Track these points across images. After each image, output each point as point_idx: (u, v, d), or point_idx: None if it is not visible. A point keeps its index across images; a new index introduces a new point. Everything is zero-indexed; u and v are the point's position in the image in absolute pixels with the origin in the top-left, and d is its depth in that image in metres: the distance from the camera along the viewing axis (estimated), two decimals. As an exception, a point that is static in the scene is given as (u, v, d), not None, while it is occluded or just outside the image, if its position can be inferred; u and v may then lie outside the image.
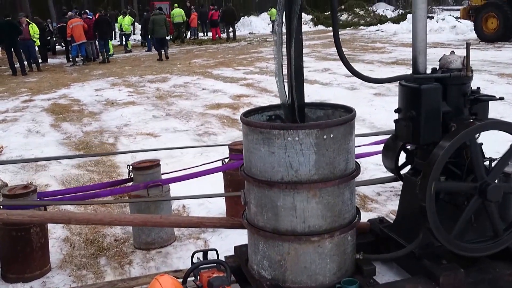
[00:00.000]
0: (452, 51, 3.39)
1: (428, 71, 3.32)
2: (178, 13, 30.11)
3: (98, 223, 3.41)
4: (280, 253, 3.01)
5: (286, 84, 3.20)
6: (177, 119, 9.25)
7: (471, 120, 3.30)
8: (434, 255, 3.29)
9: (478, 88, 3.40)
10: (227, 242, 4.19)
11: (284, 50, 3.15)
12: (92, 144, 7.84)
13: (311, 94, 11.11)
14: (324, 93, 11.04)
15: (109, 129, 8.81)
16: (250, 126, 2.96)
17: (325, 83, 12.25)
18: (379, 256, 3.34)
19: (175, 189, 5.38)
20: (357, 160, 6.18)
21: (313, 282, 3.02)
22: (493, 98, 3.29)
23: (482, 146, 3.45)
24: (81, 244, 4.54)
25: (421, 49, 3.27)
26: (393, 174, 3.95)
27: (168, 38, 24.57)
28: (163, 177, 4.43)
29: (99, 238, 4.63)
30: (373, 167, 6.08)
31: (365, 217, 4.63)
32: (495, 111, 8.78)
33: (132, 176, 4.32)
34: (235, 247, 3.63)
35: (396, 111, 3.41)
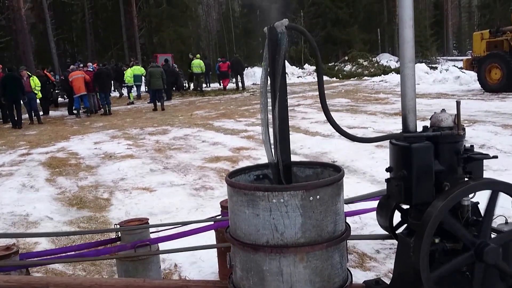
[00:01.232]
0: (443, 109, 3.33)
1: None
2: (197, 64, 31.07)
3: (77, 288, 3.27)
4: (266, 321, 2.86)
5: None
6: (175, 173, 9.17)
7: (465, 179, 3.20)
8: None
9: (472, 146, 3.31)
10: (217, 304, 4.02)
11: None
12: (86, 199, 7.73)
13: (312, 146, 11.09)
14: (325, 145, 10.99)
15: (105, 184, 8.72)
16: (234, 187, 2.87)
17: (326, 134, 12.23)
18: (371, 322, 3.17)
19: (166, 246, 5.25)
20: (356, 216, 6.13)
21: None
22: (487, 156, 3.21)
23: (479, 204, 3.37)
24: (67, 306, 4.36)
25: (411, 108, 3.22)
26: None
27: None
28: (152, 236, 4.31)
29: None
30: (373, 222, 5.92)
31: (363, 277, 4.48)
32: (498, 163, 8.70)
33: (119, 236, 4.19)
34: (223, 312, 3.47)
35: (387, 170, 3.32)
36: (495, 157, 3.23)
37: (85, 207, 7.34)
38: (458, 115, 3.17)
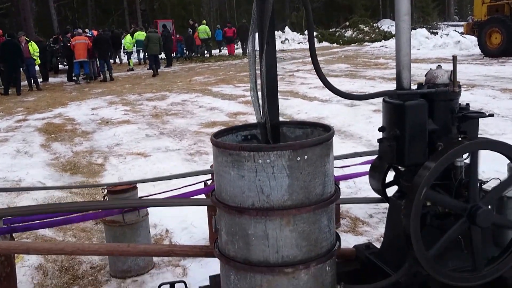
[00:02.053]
0: (439, 65, 3.18)
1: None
2: (203, 30, 31.16)
3: (59, 253, 3.20)
4: (252, 286, 2.77)
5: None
6: (170, 138, 9.06)
7: (459, 139, 3.07)
8: (422, 285, 3.05)
9: (468, 104, 3.17)
10: (207, 270, 3.94)
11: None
12: (80, 165, 7.64)
13: (309, 111, 10.94)
14: (323, 110, 10.85)
15: (100, 149, 8.62)
16: (219, 147, 2.74)
17: (324, 100, 12.06)
18: (361, 286, 3.08)
19: (157, 212, 5.18)
20: (351, 180, 6.02)
21: (289, 316, 2.78)
22: (482, 115, 3.07)
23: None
24: (55, 272, 4.31)
25: (405, 64, 3.06)
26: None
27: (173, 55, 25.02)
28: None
29: (74, 265, 4.40)
30: (367, 187, 5.79)
31: (354, 241, 4.39)
32: (496, 127, 8.57)
33: (107, 200, 4.10)
34: (210, 277, 3.39)
35: (380, 129, 3.19)
36: (491, 115, 3.10)
37: (78, 172, 7.26)
38: (454, 71, 3.02)
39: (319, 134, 3.06)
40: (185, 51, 32.96)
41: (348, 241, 4.51)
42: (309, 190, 2.67)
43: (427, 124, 3.03)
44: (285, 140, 3.14)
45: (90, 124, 11.21)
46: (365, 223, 4.94)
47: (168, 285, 2.93)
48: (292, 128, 3.21)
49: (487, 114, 3.09)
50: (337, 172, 5.24)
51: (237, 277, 2.82)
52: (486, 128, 8.42)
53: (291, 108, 11.30)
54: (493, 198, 2.97)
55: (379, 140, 3.18)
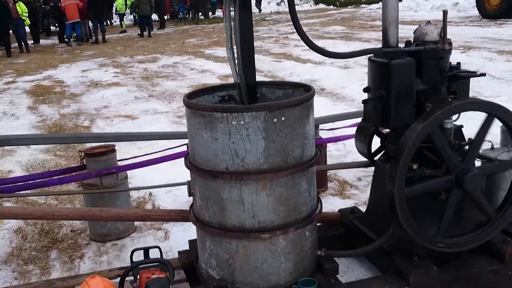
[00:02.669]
0: (428, 21, 3.00)
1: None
2: None
3: (28, 218, 3.09)
4: (228, 251, 2.67)
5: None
6: (159, 100, 8.88)
7: (449, 100, 2.91)
8: (406, 251, 2.95)
9: (458, 63, 3.00)
10: (189, 234, 3.83)
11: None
12: (66, 127, 7.49)
13: (302, 73, 10.73)
14: (316, 72, 10.64)
15: (87, 111, 8.45)
16: (191, 108, 2.59)
17: (317, 62, 11.81)
18: (342, 252, 2.99)
19: (141, 175, 5.06)
20: (341, 143, 5.88)
21: (265, 283, 2.69)
22: (473, 74, 2.91)
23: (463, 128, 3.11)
24: (35, 235, 4.21)
25: (392, 19, 2.88)
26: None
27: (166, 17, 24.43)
28: (120, 163, 4.08)
29: (55, 228, 4.31)
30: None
31: (341, 205, 4.29)
32: (491, 89, 8.40)
33: (85, 163, 3.96)
34: (189, 241, 3.29)
35: (365, 90, 3.03)
36: (483, 74, 2.94)
37: (65, 135, 7.09)
38: (444, 27, 2.84)
39: (300, 95, 2.90)
40: (186, 14, 32.15)
41: (335, 204, 4.41)
42: (286, 153, 2.53)
43: (414, 84, 2.86)
44: (265, 101, 2.99)
45: (79, 87, 10.99)
46: (353, 186, 4.83)
47: (142, 250, 2.82)
48: (272, 89, 3.05)
49: (478, 73, 2.92)
50: (326, 134, 5.12)
51: (212, 243, 2.72)
52: (481, 90, 8.25)
53: (283, 71, 11.08)
54: (474, 156, 2.84)
55: (364, 101, 3.03)
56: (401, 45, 2.92)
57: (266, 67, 11.74)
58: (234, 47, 2.69)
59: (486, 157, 3.18)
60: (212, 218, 2.66)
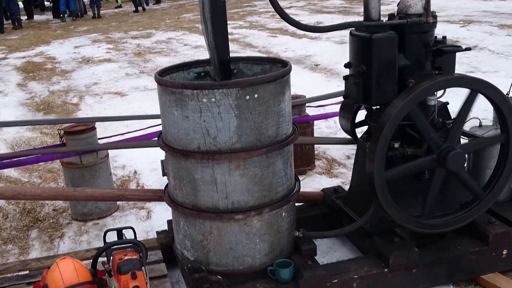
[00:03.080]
0: (413, -6, 2.86)
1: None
2: None
3: (-1, 198, 3.01)
4: (201, 233, 2.60)
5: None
6: (150, 77, 8.72)
7: (433, 75, 2.80)
8: (387, 232, 2.88)
9: (444, 37, 2.88)
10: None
11: None
12: (54, 105, 7.37)
13: (297, 49, 10.56)
14: (311, 48, 10.47)
15: (77, 88, 8.32)
16: (161, 85, 2.49)
17: (314, 37, 11.61)
18: (321, 233, 2.91)
19: (126, 153, 4.98)
20: (332, 119, 5.77)
21: (240, 264, 2.62)
22: (458, 48, 2.79)
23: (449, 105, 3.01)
24: (16, 214, 4.15)
25: (375, -9, 2.75)
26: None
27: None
28: (101, 142, 4.00)
29: (37, 207, 4.24)
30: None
31: (328, 183, 4.20)
32: (489, 65, 8.24)
33: (64, 142, 3.87)
34: (168, 222, 3.22)
35: (346, 65, 2.92)
36: (468, 49, 2.82)
37: (52, 112, 7.01)
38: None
39: (277, 71, 2.80)
40: None
41: (322, 183, 4.32)
42: (260, 132, 2.44)
43: (397, 59, 2.75)
44: (242, 78, 2.88)
45: (71, 63, 10.83)
46: (342, 164, 4.74)
47: (115, 231, 2.74)
48: (249, 65, 2.94)
49: (464, 48, 2.80)
50: (317, 111, 5.01)
51: (186, 224, 2.64)
52: (479, 66, 8.10)
53: (278, 46, 10.90)
54: (457, 135, 2.74)
55: (345, 77, 2.91)
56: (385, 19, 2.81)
57: (260, 43, 11.55)
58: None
59: (473, 135, 3.08)
60: (185, 198, 2.58)
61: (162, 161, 2.68)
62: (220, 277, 2.60)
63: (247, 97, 2.35)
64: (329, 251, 3.32)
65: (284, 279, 2.61)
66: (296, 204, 3.58)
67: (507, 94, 4.46)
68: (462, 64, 8.36)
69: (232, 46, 11.25)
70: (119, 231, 2.76)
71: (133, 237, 2.77)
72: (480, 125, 3.25)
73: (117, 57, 10.96)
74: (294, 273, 2.63)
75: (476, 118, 3.15)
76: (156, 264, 2.95)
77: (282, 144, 2.53)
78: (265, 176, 2.51)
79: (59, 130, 3.89)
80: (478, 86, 2.69)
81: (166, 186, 2.82)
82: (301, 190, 3.78)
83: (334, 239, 3.40)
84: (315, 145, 4.78)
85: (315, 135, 4.76)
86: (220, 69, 2.57)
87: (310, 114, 4.69)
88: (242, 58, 2.95)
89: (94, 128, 3.92)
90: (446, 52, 2.78)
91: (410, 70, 2.81)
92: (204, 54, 10.49)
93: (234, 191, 2.47)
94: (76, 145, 3.78)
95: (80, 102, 7.43)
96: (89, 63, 10.50)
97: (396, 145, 2.78)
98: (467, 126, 3.17)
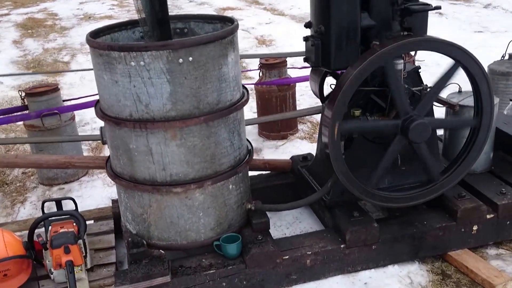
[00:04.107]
0: None
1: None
2: None
3: None
4: (141, 205, 2.44)
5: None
6: (147, 35, 8.48)
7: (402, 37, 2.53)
8: (349, 205, 2.69)
9: (417, -7, 2.59)
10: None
11: None
12: (45, 63, 7.21)
13: (304, 6, 10.16)
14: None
15: (72, 46, 8.14)
16: (90, 46, 2.28)
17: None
18: (276, 206, 2.72)
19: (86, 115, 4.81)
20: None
21: (183, 239, 2.47)
22: (427, 7, 2.50)
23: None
24: (-15, 181, 4.05)
25: None
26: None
27: None
28: (66, 104, 3.83)
29: (6, 170, 4.13)
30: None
31: (309, 149, 3.96)
32: (499, 24, 7.80)
33: (26, 103, 3.72)
34: (122, 190, 3.07)
35: (306, 25, 2.67)
36: (438, 7, 2.54)
37: (41, 71, 6.84)
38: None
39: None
40: None
41: (302, 149, 4.12)
42: (198, 99, 2.23)
43: (359, 18, 2.49)
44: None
45: (72, 20, 10.62)
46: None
47: (54, 202, 2.60)
48: (200, 24, 2.70)
49: (433, 7, 2.52)
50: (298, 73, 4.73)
51: (126, 195, 2.49)
52: (489, 25, 7.68)
53: (284, 3, 10.51)
54: (427, 105, 2.49)
55: (304, 38, 2.66)
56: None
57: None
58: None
59: (447, 102, 2.83)
60: (123, 169, 2.41)
61: (101, 128, 2.50)
62: (162, 251, 2.45)
63: (180, 60, 2.13)
64: (294, 221, 3.15)
65: (230, 255, 2.45)
66: (265, 172, 3.42)
67: (502, 57, 4.20)
68: (472, 24, 7.94)
69: (236, 3, 10.96)
70: (58, 202, 2.62)
71: (74, 209, 2.63)
72: (460, 91, 3.00)
73: (119, 14, 10.70)
74: (241, 248, 2.47)
75: (456, 83, 2.88)
76: (106, 234, 2.82)
77: (226, 112, 2.32)
78: (206, 147, 2.32)
79: (19, 92, 3.73)
80: (448, 51, 2.42)
81: (109, 156, 2.65)
82: (269, 158, 3.62)
83: (302, 210, 3.22)
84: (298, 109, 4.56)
85: (297, 98, 4.53)
86: (159, 29, 2.35)
87: (293, 76, 4.45)
88: (192, 16, 2.71)
89: (57, 90, 3.75)
90: (414, 11, 2.51)
91: (376, 31, 2.55)
92: (206, 11, 10.19)
93: (171, 162, 2.29)
94: (37, 107, 3.62)
95: (71, 61, 7.25)
96: (90, 20, 10.28)
97: (357, 113, 2.55)
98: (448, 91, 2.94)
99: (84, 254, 2.43)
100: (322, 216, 2.92)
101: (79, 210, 3.13)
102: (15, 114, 3.71)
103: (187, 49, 2.13)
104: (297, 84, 4.43)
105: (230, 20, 2.55)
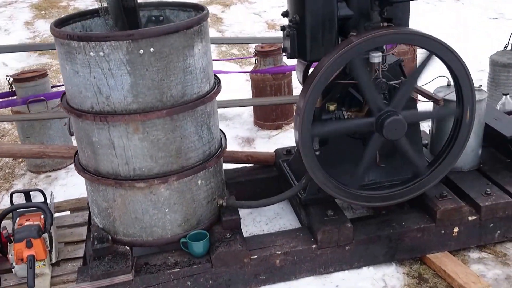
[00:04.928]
0: None
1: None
2: None
3: None
4: (105, 200, 2.38)
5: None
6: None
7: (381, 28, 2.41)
8: (323, 203, 2.59)
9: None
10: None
11: None
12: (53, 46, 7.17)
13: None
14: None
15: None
16: (52, 34, 2.22)
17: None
18: (247, 202, 2.63)
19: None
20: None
21: (149, 235, 2.41)
22: (409, -3, 2.37)
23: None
24: (-24, 163, 4.06)
25: None
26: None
27: None
28: (54, 90, 3.80)
29: (-2, 156, 4.13)
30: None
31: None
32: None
33: (13, 89, 3.69)
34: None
35: (283, 14, 2.56)
36: (418, -2, 2.40)
37: (47, 53, 6.82)
38: None
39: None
40: None
41: (290, 136, 4.01)
42: (161, 91, 2.15)
43: (336, 8, 2.37)
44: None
45: (86, 1, 10.56)
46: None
47: (22, 193, 2.57)
48: (176, 11, 2.62)
49: (417, -5, 2.39)
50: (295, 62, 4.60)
51: (91, 189, 2.44)
52: (505, 12, 7.40)
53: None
54: (403, 100, 2.37)
55: (282, 28, 2.56)
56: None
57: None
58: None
59: (432, 96, 2.69)
60: (88, 162, 2.36)
61: (68, 119, 2.44)
62: (128, 248, 2.40)
63: (141, 51, 2.05)
64: (275, 217, 3.07)
65: (197, 253, 2.39)
66: (249, 165, 3.33)
67: (505, 47, 4.02)
68: (488, 9, 7.66)
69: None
70: (27, 193, 2.58)
71: (43, 201, 2.59)
72: (449, 85, 2.86)
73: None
74: (209, 246, 2.41)
75: (444, 76, 2.75)
76: (78, 227, 2.78)
77: (192, 105, 2.24)
78: (170, 141, 2.24)
79: (7, 77, 3.70)
80: (427, 44, 2.29)
81: (80, 146, 2.60)
82: (253, 151, 3.53)
83: (283, 205, 3.14)
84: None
85: (295, 87, 4.41)
86: (127, 17, 2.27)
87: (290, 64, 4.32)
88: (168, 4, 2.62)
89: (45, 75, 3.71)
90: (393, 1, 2.38)
91: (355, 21, 2.44)
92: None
93: (134, 156, 2.23)
94: (25, 93, 3.59)
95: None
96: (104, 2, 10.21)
97: (332, 107, 2.45)
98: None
99: (49, 249, 2.39)
100: (299, 214, 2.83)
101: (63, 199, 3.14)
102: (2, 100, 3.68)
103: (148, 40, 2.05)
104: (294, 73, 4.31)
105: (202, 9, 2.45)
